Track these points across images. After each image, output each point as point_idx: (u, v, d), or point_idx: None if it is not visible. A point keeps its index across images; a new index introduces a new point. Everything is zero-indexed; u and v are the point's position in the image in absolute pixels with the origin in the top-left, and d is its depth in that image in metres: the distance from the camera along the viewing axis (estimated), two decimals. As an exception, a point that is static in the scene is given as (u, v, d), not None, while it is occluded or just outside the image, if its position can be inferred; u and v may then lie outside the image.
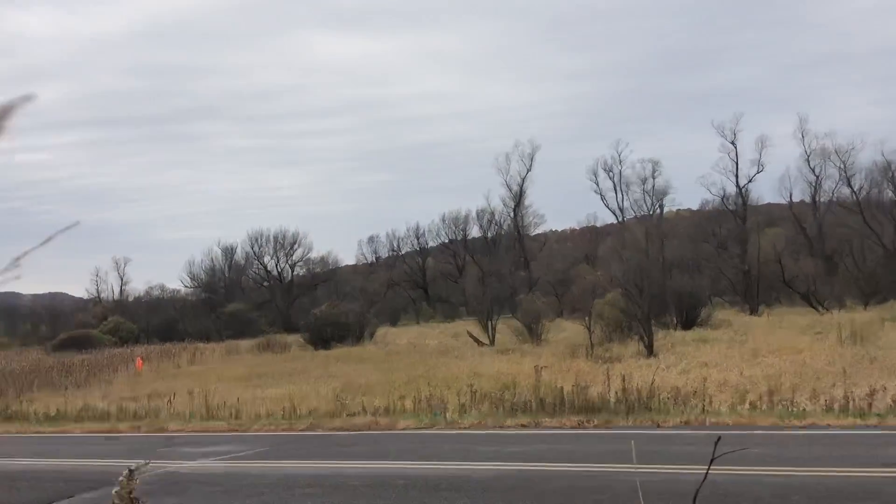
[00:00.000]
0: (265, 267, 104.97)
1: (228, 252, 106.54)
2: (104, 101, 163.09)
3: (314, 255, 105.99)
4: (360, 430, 19.34)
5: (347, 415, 21.31)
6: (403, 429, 18.91)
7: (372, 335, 59.61)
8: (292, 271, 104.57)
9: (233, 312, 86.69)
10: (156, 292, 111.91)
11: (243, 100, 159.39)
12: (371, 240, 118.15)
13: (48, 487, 14.83)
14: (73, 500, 13.64)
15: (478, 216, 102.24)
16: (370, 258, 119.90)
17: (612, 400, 19.30)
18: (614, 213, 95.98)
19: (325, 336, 56.22)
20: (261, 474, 14.54)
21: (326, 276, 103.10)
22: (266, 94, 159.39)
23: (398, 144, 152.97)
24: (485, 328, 50.03)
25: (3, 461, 18.47)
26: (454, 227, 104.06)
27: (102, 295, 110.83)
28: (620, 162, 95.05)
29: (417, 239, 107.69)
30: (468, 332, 50.22)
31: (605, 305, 41.78)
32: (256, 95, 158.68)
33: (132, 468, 3.14)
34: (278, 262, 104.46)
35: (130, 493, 3.16)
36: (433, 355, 40.31)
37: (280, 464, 15.44)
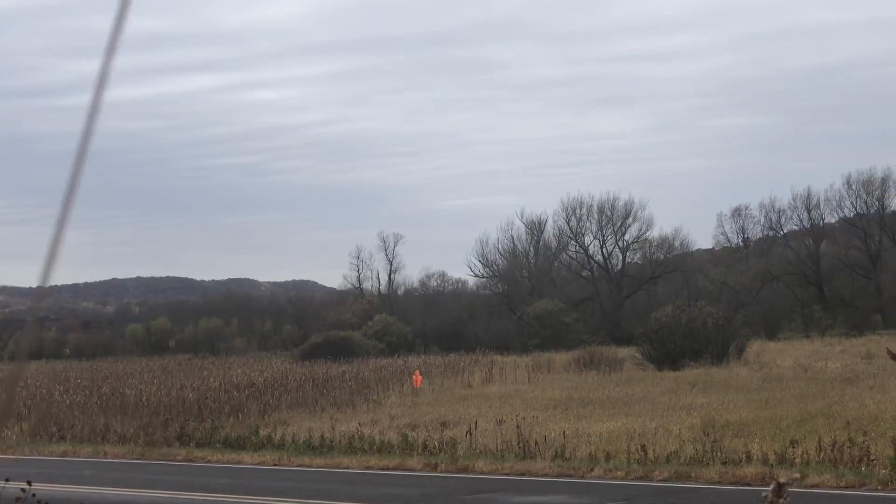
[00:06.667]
0: (586, 250, 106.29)
1: (535, 228, 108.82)
2: (364, 15, 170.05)
3: (654, 234, 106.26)
4: (748, 486, 19.31)
5: (723, 463, 21.42)
6: (814, 486, 18.73)
7: (741, 352, 59.01)
8: (624, 258, 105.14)
9: (541, 314, 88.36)
10: (435, 283, 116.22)
11: (551, 10, 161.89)
12: (737, 213, 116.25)
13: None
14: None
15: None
16: (736, 240, 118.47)
17: None
18: None
19: (671, 351, 56.32)
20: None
21: (672, 266, 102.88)
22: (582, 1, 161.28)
23: (783, 69, 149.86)
24: (918, 346, 48.18)
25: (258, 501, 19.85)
26: (865, 196, 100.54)
27: (364, 285, 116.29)
28: None
29: (808, 212, 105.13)
30: (889, 351, 48.42)
31: None
32: (569, 3, 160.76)
33: (781, 482, 3.42)
34: (604, 243, 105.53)
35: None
36: (835, 384, 39.55)
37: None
